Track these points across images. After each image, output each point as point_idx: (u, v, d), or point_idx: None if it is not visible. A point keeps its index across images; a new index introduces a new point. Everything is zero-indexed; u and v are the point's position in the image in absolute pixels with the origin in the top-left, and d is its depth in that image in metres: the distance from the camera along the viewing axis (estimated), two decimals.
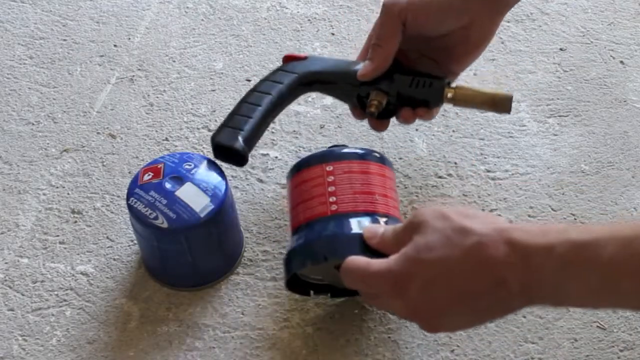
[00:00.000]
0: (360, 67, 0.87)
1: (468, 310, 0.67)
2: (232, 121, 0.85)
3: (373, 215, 0.77)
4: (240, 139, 0.83)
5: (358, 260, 0.72)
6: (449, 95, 0.85)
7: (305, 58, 0.91)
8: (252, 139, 0.85)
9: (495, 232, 0.66)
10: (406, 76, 0.86)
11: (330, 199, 0.78)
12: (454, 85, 0.87)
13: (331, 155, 0.81)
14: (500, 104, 0.86)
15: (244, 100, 0.87)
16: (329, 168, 0.80)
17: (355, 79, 0.87)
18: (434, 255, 0.67)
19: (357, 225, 0.76)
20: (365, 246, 0.74)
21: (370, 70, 0.85)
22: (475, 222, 0.67)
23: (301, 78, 0.89)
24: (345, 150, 0.82)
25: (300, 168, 0.82)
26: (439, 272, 0.67)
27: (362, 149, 0.84)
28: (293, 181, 0.83)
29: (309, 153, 0.96)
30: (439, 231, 0.67)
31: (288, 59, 0.92)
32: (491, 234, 0.65)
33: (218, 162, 0.84)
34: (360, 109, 0.89)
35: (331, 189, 0.78)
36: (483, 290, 0.66)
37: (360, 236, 0.75)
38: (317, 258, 0.77)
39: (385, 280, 0.69)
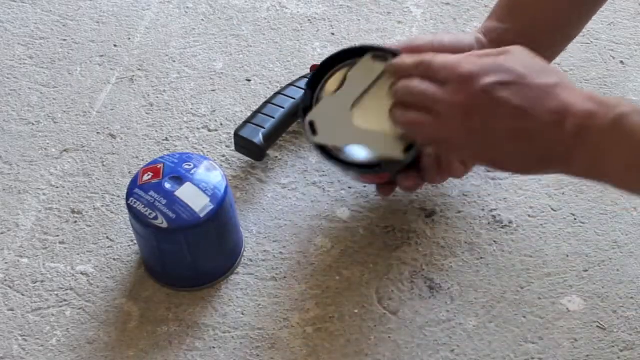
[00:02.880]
0: None
1: (514, 131, 0.71)
2: (255, 119, 0.94)
3: None
4: (260, 135, 0.92)
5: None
6: None
7: None
8: (271, 137, 0.94)
9: (578, 89, 0.71)
10: None
11: None
12: None
13: None
14: None
15: (268, 102, 0.96)
16: None
17: None
18: (515, 65, 0.71)
19: None
20: None
21: None
22: (564, 76, 0.72)
23: None
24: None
25: None
26: (514, 79, 0.70)
27: None
28: None
29: (309, 153, 0.96)
30: (525, 60, 0.72)
31: (315, 68, 0.97)
32: (573, 87, 0.70)
33: (218, 162, 0.85)
34: None
35: None
36: (543, 115, 0.69)
37: None
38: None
39: (458, 68, 0.72)
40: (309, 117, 0.81)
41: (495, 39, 0.83)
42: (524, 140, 0.71)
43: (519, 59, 0.72)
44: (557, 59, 1.04)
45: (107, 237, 0.90)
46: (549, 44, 0.85)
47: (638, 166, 0.67)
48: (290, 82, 0.98)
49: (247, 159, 0.95)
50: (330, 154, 0.80)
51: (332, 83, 0.83)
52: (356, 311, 0.84)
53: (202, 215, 0.80)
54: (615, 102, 0.68)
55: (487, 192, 0.92)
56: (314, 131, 0.81)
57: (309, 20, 1.11)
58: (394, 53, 0.80)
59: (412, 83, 0.75)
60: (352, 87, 0.81)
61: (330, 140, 0.80)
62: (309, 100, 0.83)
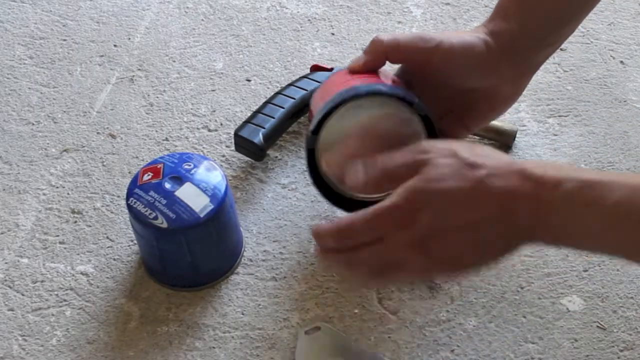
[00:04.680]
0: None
1: (474, 241, 0.67)
2: (255, 119, 0.94)
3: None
4: (260, 135, 0.92)
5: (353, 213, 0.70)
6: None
7: (331, 69, 0.98)
8: (271, 137, 0.94)
9: (506, 165, 0.67)
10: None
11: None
12: None
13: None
14: (505, 135, 0.95)
15: (268, 101, 0.96)
16: None
17: None
18: (443, 185, 0.66)
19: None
20: None
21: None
22: (487, 158, 0.68)
23: None
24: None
25: None
26: (450, 203, 0.66)
27: None
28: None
29: None
30: (448, 165, 0.67)
31: (315, 68, 1.00)
32: (502, 166, 0.67)
33: (218, 162, 0.85)
34: None
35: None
36: (491, 218, 0.66)
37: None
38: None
39: (392, 215, 0.67)
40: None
41: (506, 43, 0.80)
42: (479, 231, 0.67)
43: (444, 164, 0.68)
44: (557, 59, 1.05)
45: (107, 237, 0.90)
46: (554, 41, 0.84)
47: (603, 231, 0.65)
48: (290, 82, 0.98)
49: (247, 159, 0.95)
50: (338, 196, 0.81)
51: (334, 122, 0.78)
52: (356, 311, 0.84)
53: (202, 215, 0.80)
54: (552, 182, 0.65)
55: None
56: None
57: (309, 20, 1.11)
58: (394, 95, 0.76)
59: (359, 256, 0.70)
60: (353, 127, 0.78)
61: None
62: (312, 143, 0.79)
